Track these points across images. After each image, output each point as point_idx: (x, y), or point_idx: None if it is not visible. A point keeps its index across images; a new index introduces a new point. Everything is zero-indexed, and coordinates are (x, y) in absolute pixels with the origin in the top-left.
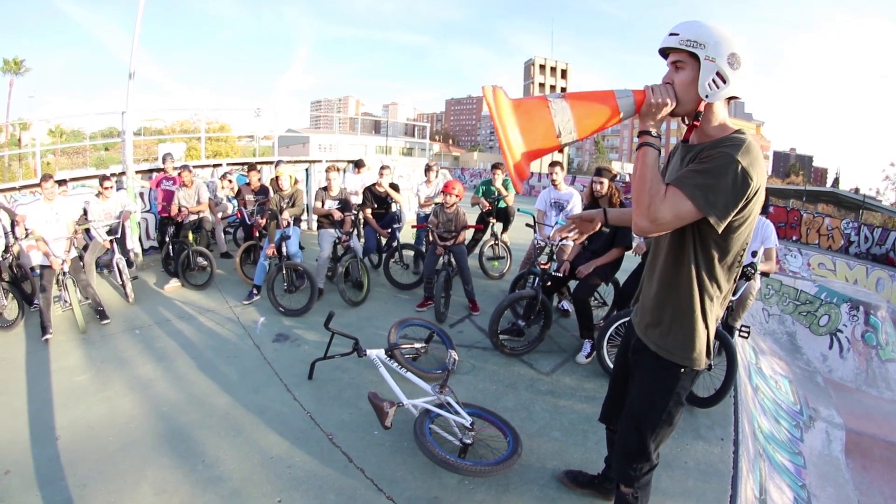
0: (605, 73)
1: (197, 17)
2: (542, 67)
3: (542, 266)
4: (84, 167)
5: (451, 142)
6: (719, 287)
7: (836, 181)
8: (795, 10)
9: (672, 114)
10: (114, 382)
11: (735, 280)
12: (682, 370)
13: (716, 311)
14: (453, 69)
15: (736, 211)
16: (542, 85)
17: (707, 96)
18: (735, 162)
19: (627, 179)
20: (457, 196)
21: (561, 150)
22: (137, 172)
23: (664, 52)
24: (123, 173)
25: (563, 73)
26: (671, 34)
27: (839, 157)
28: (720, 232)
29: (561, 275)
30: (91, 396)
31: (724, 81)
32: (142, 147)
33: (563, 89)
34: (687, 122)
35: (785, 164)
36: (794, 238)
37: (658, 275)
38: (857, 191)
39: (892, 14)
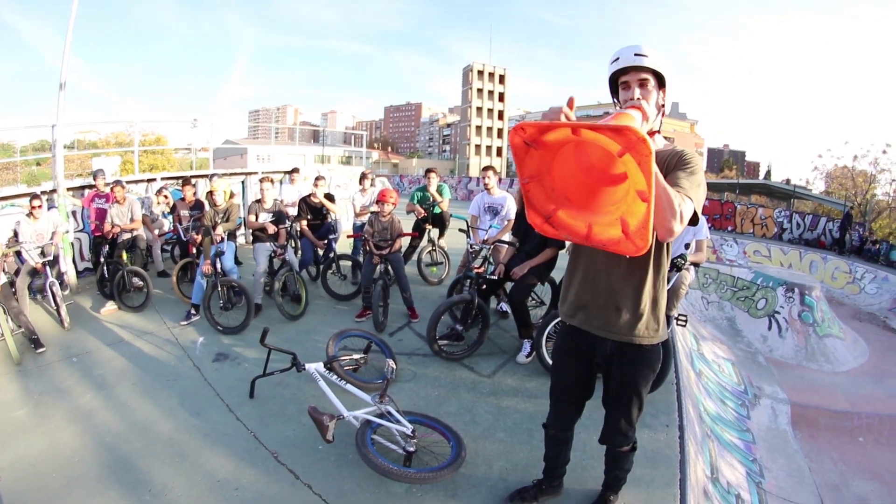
0: (542, 78)
1: (136, 27)
2: (481, 73)
3: (476, 270)
4: (15, 184)
5: (390, 149)
6: (666, 272)
7: (768, 174)
8: (719, 15)
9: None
10: (53, 415)
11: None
12: (657, 344)
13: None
14: (394, 77)
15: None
16: (480, 90)
17: (667, 109)
18: (699, 164)
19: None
20: (392, 204)
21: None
22: (69, 189)
23: (623, 71)
24: (54, 191)
25: (501, 79)
26: (639, 55)
27: (770, 151)
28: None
29: (496, 277)
30: (31, 432)
31: (667, 96)
32: (75, 161)
33: (501, 94)
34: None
35: (719, 159)
36: (730, 229)
37: (627, 272)
38: (788, 182)
39: (807, 8)
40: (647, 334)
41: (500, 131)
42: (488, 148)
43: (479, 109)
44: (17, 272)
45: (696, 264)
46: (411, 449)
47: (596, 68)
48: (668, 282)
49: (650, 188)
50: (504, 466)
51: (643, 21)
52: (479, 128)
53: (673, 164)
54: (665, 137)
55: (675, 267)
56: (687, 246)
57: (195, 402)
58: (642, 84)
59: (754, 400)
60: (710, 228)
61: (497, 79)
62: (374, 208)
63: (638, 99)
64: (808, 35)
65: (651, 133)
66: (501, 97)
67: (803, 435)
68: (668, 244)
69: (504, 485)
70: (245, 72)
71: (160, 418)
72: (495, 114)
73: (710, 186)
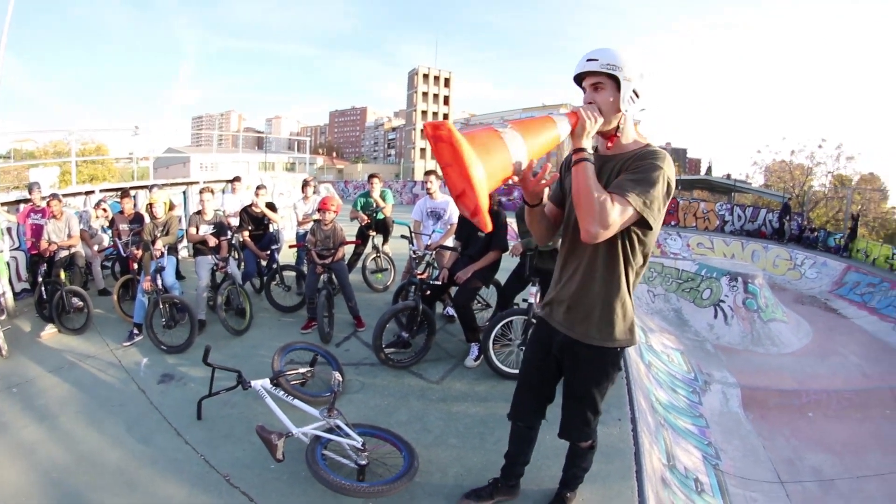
0: (486, 80)
1: (77, 27)
2: (426, 76)
3: (419, 276)
4: None
5: (335, 154)
6: (637, 276)
7: (709, 169)
8: (657, 16)
9: (598, 131)
10: None
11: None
12: (619, 350)
13: (633, 295)
14: (340, 81)
15: (664, 208)
16: (424, 94)
17: (626, 110)
18: (662, 171)
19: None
20: (334, 212)
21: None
22: (3, 204)
23: (579, 77)
24: None
25: (447, 82)
26: (590, 60)
27: (711, 148)
28: (653, 230)
29: (440, 282)
30: None
31: (638, 96)
32: (11, 173)
33: (447, 98)
34: (606, 136)
35: None
36: (673, 223)
37: (586, 273)
38: (728, 177)
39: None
40: (598, 336)
41: None
42: None
43: (425, 113)
44: None
45: None
46: (363, 462)
47: (539, 69)
48: None
49: (465, 175)
50: (459, 472)
51: (583, 22)
52: (423, 131)
53: (627, 167)
54: (649, 144)
55: None
56: None
57: (142, 427)
58: (595, 87)
59: (705, 386)
60: None
61: (442, 82)
62: (317, 216)
63: (588, 104)
64: (744, 34)
65: (607, 135)
66: (447, 100)
67: (755, 416)
68: (627, 247)
69: (460, 491)
70: (190, 76)
71: (107, 447)
72: (440, 117)
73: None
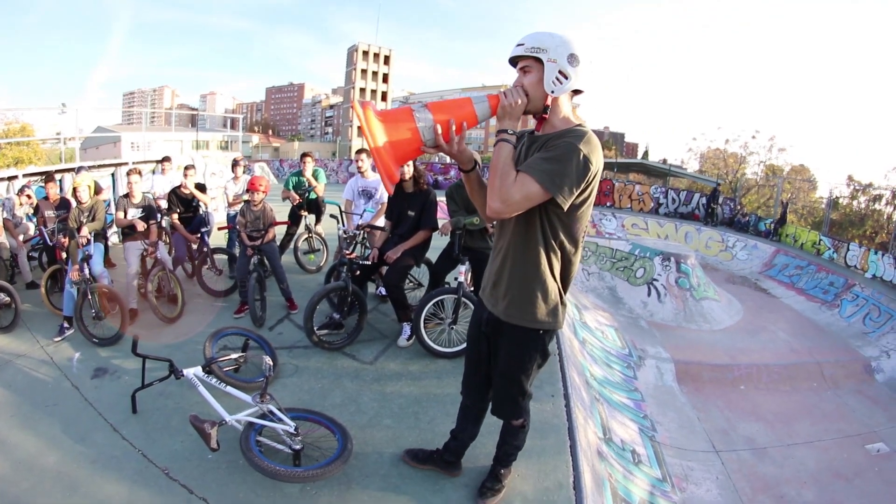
0: (429, 60)
1: None
2: (366, 54)
3: (349, 256)
4: None
5: (271, 132)
6: (566, 257)
7: (646, 154)
8: (601, 3)
9: (525, 112)
10: None
11: (581, 249)
12: (541, 332)
13: (565, 277)
14: (276, 57)
15: (578, 192)
16: (364, 71)
17: (552, 92)
18: (577, 150)
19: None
20: (263, 192)
21: (424, 152)
22: None
23: (514, 62)
24: None
25: (387, 60)
26: (518, 45)
27: (648, 133)
28: (565, 210)
29: (370, 262)
30: None
31: (567, 78)
32: None
33: (386, 76)
34: (536, 117)
35: (600, 140)
36: (609, 204)
37: (507, 252)
38: (664, 161)
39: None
40: (517, 315)
41: None
42: None
43: (363, 90)
44: None
45: None
46: (297, 447)
47: (483, 51)
48: None
49: (367, 139)
50: (394, 453)
51: (529, 7)
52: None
53: (540, 147)
54: (579, 125)
55: None
56: None
57: (78, 426)
58: (523, 70)
59: (639, 361)
60: None
61: (382, 59)
62: (247, 197)
63: (516, 87)
64: (684, 23)
65: (538, 116)
66: (386, 78)
67: (689, 389)
68: (546, 228)
69: (396, 471)
70: (120, 50)
71: (45, 450)
72: (379, 95)
73: None
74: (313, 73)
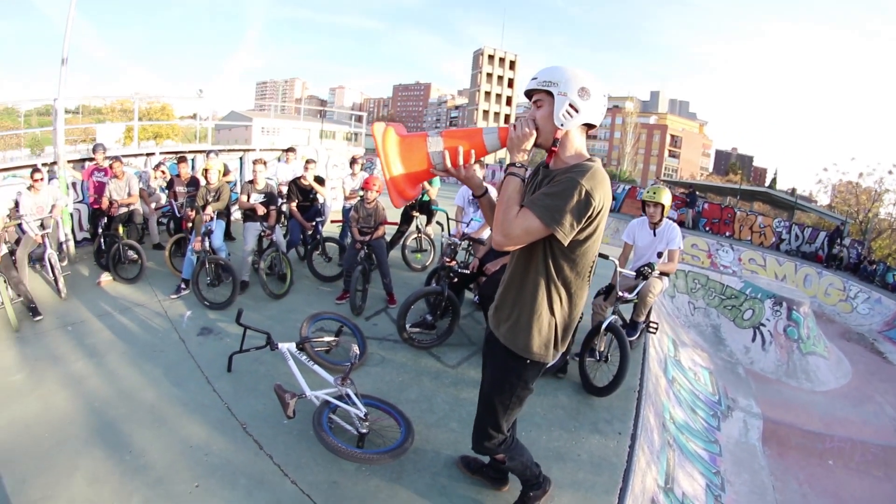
0: (553, 65)
1: None
2: (491, 58)
3: (448, 263)
4: (18, 147)
5: None
6: (568, 293)
7: (774, 181)
8: (739, 19)
9: (536, 144)
10: (48, 380)
11: (588, 285)
12: (528, 362)
13: (566, 313)
14: (404, 55)
15: (580, 228)
16: (489, 75)
17: (562, 125)
18: (579, 185)
19: None
20: (376, 191)
21: (434, 175)
22: (69, 162)
23: (529, 95)
24: (55, 163)
25: (512, 65)
26: (532, 79)
27: (778, 158)
28: (566, 245)
29: (469, 271)
30: (26, 395)
31: (577, 111)
32: (79, 127)
33: (511, 80)
34: (547, 150)
35: (726, 162)
36: (728, 234)
37: (512, 280)
38: (793, 191)
39: (829, 20)
40: (509, 337)
41: (507, 117)
42: None
43: (488, 94)
44: (17, 241)
45: (665, 273)
46: (364, 431)
47: (606, 59)
48: (634, 290)
49: (381, 162)
50: (451, 456)
51: (660, 17)
52: (486, 112)
53: (548, 181)
54: (589, 159)
55: (642, 275)
56: (659, 255)
57: (178, 373)
58: (536, 104)
59: (727, 411)
60: (707, 232)
61: (507, 64)
62: (361, 193)
63: (523, 118)
64: (824, 47)
65: (549, 149)
66: (511, 83)
67: (772, 452)
68: (549, 261)
69: (447, 473)
70: (255, 42)
71: (145, 387)
72: (503, 99)
73: (714, 189)
74: (440, 72)
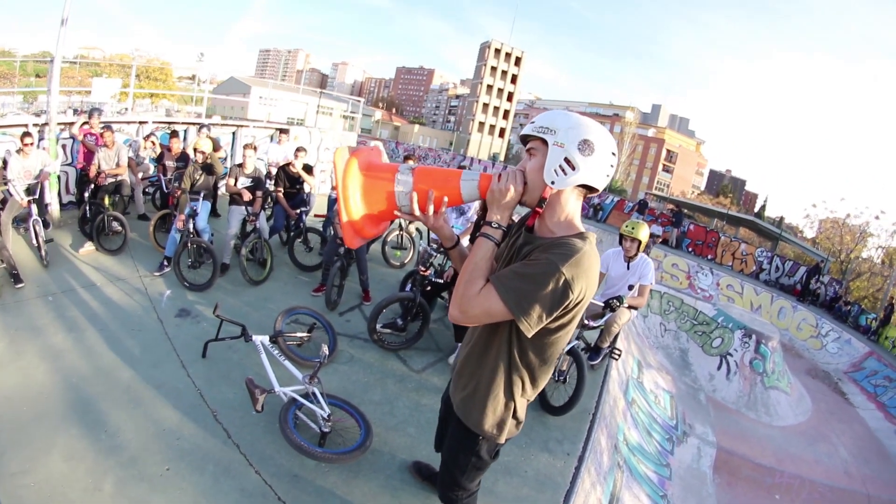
0: (560, 67)
1: None
2: (498, 52)
3: (422, 272)
4: (11, 95)
5: (394, 111)
6: (532, 377)
7: (763, 208)
8: (747, 41)
9: (521, 202)
10: (28, 352)
11: (552, 369)
12: (480, 438)
13: (527, 396)
14: (410, 38)
15: (550, 319)
16: (493, 68)
17: (553, 182)
18: (558, 272)
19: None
20: None
21: (397, 217)
22: (60, 124)
23: (524, 142)
24: (46, 125)
25: (518, 61)
26: (531, 122)
27: (771, 185)
28: (529, 336)
29: (442, 281)
30: (6, 366)
31: (573, 168)
32: (76, 78)
33: (514, 76)
34: (534, 209)
35: (718, 183)
36: (709, 257)
37: (472, 352)
38: (781, 220)
39: (840, 55)
40: (463, 411)
41: (506, 112)
42: (492, 127)
43: (490, 87)
44: (3, 203)
45: (633, 307)
46: (326, 430)
47: (616, 67)
48: (600, 319)
49: (339, 194)
50: (405, 460)
51: (671, 29)
52: (486, 105)
53: (524, 253)
54: (580, 234)
55: (609, 307)
56: (630, 287)
57: (154, 354)
58: (529, 153)
59: (682, 437)
60: (689, 253)
61: (513, 60)
62: None
63: (512, 171)
64: (831, 82)
65: (533, 209)
66: (514, 79)
67: (722, 481)
68: (512, 344)
69: (399, 476)
70: (262, 8)
71: (122, 366)
72: (505, 94)
73: (703, 211)
74: (445, 59)
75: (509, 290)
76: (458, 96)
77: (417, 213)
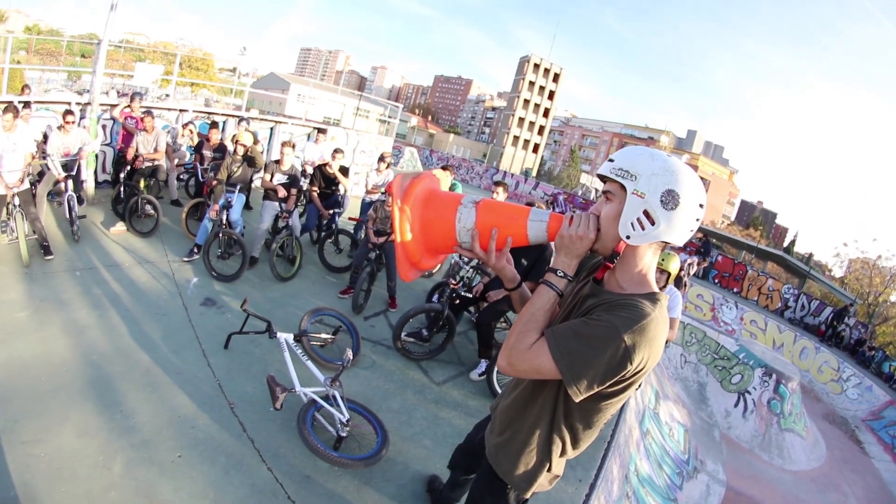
0: (597, 85)
1: None
2: (537, 66)
3: (452, 285)
4: (56, 72)
5: (430, 118)
6: (573, 441)
7: (793, 243)
8: (787, 70)
9: (591, 250)
10: (51, 323)
11: (598, 434)
12: (509, 488)
13: (566, 456)
14: (450, 47)
15: (602, 387)
16: (531, 83)
17: (628, 237)
18: (619, 339)
19: (591, 196)
20: None
21: (457, 251)
22: (102, 105)
23: (603, 180)
24: (88, 104)
25: (556, 77)
26: (609, 160)
27: (803, 219)
28: (576, 402)
29: (471, 295)
30: (29, 335)
31: (653, 223)
32: (119, 61)
33: (552, 93)
34: (605, 261)
35: (749, 215)
36: (735, 290)
37: (513, 401)
38: (810, 256)
39: (877, 88)
40: (494, 457)
41: (541, 128)
42: (526, 142)
43: (527, 102)
44: (40, 175)
45: None
46: (343, 434)
47: (652, 89)
48: None
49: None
50: (418, 471)
51: (712, 55)
52: (522, 119)
53: (588, 307)
54: (651, 294)
55: None
56: None
57: (176, 340)
58: (606, 196)
59: (693, 472)
60: (715, 284)
61: (551, 76)
62: (384, 190)
63: (585, 214)
64: (871, 118)
65: (604, 261)
66: (551, 95)
67: None
68: (559, 407)
69: (411, 488)
70: (307, 7)
71: (143, 348)
72: (541, 110)
73: (732, 242)
74: (483, 70)
75: (564, 350)
76: (494, 108)
77: (478, 251)
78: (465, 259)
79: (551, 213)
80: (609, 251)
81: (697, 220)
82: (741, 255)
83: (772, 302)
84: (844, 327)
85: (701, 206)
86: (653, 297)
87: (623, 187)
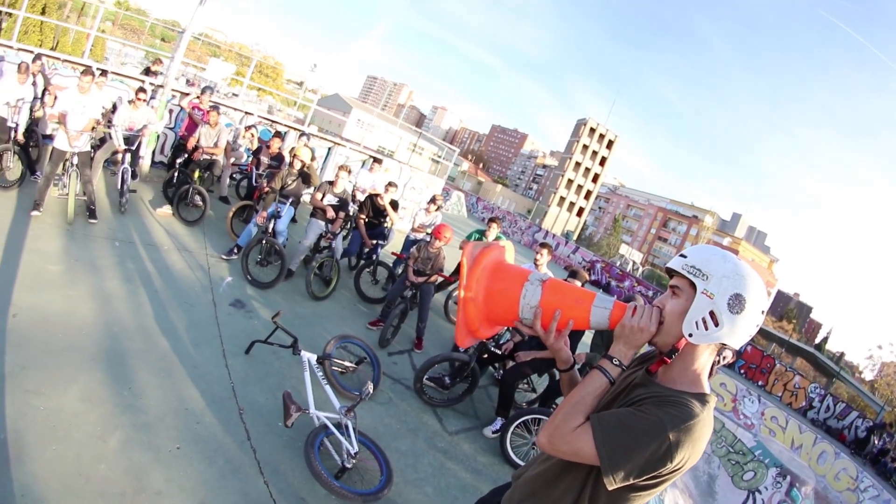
0: (648, 156)
1: None
2: (593, 131)
3: (483, 339)
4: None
5: (482, 165)
6: None
7: (825, 340)
8: (838, 161)
9: (650, 343)
10: (80, 284)
11: None
12: None
13: None
14: (510, 98)
15: (637, 480)
16: (585, 147)
17: (690, 335)
18: (664, 435)
19: (628, 268)
20: (444, 241)
21: (517, 327)
22: (174, 91)
23: (670, 274)
24: (161, 87)
25: (610, 144)
26: (681, 255)
27: (839, 317)
28: (609, 490)
29: (500, 351)
30: (56, 290)
31: (717, 325)
32: (195, 52)
33: (604, 159)
34: (661, 355)
35: (784, 305)
36: (760, 383)
37: (545, 467)
38: (842, 356)
39: None
40: None
41: (588, 193)
42: (572, 204)
43: (578, 164)
44: (102, 141)
45: None
46: (348, 466)
47: (701, 167)
48: None
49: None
50: None
51: (765, 139)
52: (570, 181)
53: (637, 398)
54: (701, 394)
55: None
56: None
57: (199, 334)
58: (673, 291)
59: None
60: (741, 375)
61: (605, 142)
62: (430, 230)
63: (650, 307)
64: None
65: (661, 355)
66: (603, 161)
67: None
68: (585, 485)
69: None
70: (380, 37)
71: (165, 333)
72: (591, 174)
73: (763, 333)
74: (538, 126)
75: (607, 438)
76: (545, 166)
77: (539, 329)
78: None
79: (615, 300)
80: (668, 347)
81: (757, 325)
82: (771, 348)
83: (796, 400)
84: (878, 440)
85: (763, 312)
86: (703, 398)
87: (692, 285)
